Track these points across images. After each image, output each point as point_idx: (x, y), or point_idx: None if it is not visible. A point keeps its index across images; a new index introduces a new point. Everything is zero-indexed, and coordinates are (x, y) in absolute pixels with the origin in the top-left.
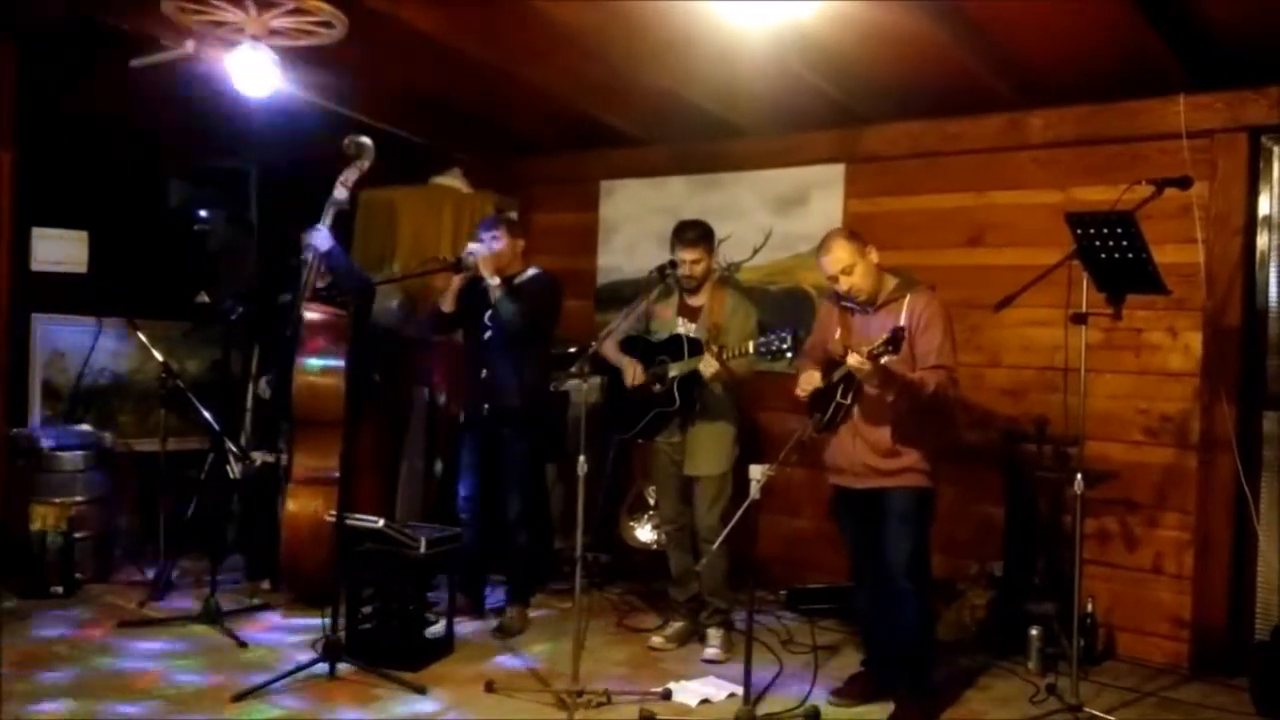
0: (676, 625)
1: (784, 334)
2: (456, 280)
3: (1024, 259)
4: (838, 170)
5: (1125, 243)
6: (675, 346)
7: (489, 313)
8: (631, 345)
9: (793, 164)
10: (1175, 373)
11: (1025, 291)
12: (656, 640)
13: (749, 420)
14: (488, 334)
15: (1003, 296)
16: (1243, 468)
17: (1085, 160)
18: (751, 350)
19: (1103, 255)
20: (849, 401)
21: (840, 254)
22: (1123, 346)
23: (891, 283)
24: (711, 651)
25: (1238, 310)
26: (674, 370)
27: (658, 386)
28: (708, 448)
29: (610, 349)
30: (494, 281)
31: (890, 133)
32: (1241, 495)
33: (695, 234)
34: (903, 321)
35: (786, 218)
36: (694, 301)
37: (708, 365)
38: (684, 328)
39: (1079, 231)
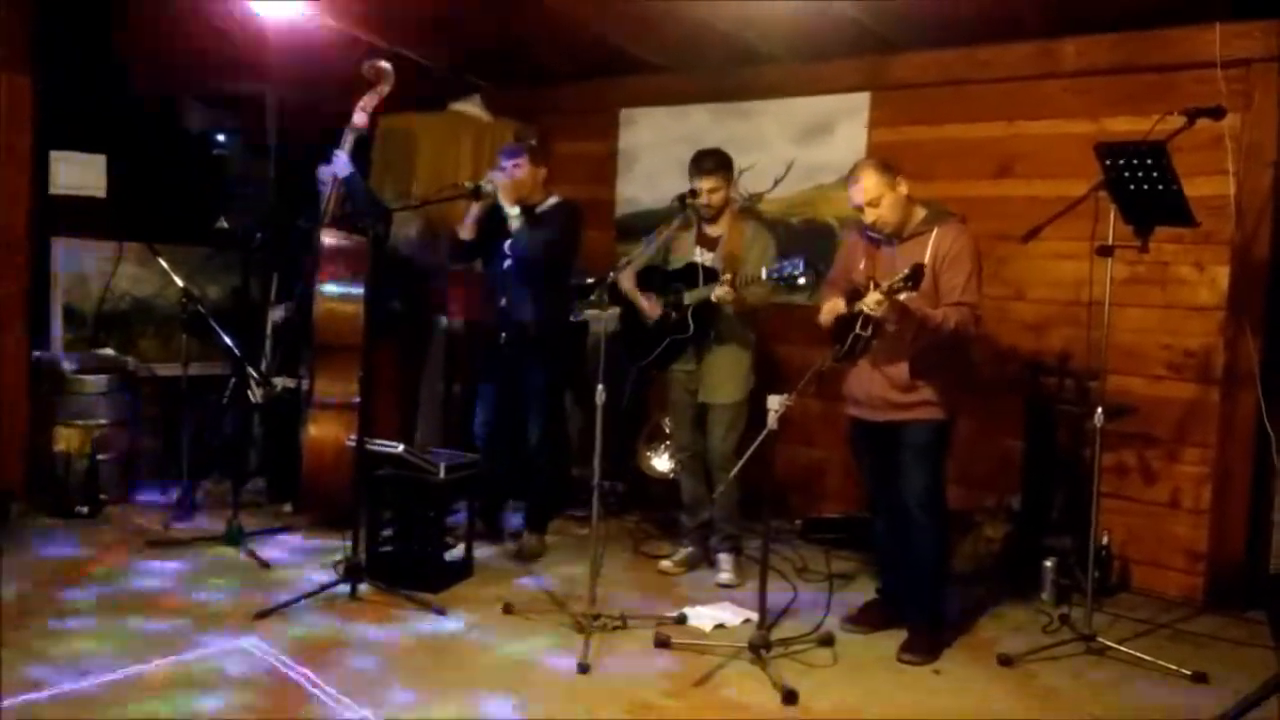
0: (685, 550)
1: (796, 260)
2: (475, 208)
3: (1053, 190)
4: (863, 99)
5: (1155, 174)
6: (691, 275)
7: (509, 241)
8: (649, 275)
9: (818, 92)
10: (1201, 307)
11: (1052, 223)
12: (664, 564)
13: (768, 352)
14: (507, 263)
15: (1030, 228)
16: (1265, 403)
17: (1118, 89)
18: (764, 276)
19: (1131, 186)
20: (869, 334)
21: (869, 184)
22: (1148, 280)
23: (920, 214)
24: (724, 576)
25: (1266, 244)
26: (689, 298)
27: (674, 314)
28: (723, 376)
29: (627, 282)
30: (513, 211)
31: (919, 60)
32: (1262, 430)
33: (713, 163)
34: (928, 255)
35: (810, 147)
36: (712, 231)
37: (723, 291)
38: (701, 257)
39: (1108, 162)
